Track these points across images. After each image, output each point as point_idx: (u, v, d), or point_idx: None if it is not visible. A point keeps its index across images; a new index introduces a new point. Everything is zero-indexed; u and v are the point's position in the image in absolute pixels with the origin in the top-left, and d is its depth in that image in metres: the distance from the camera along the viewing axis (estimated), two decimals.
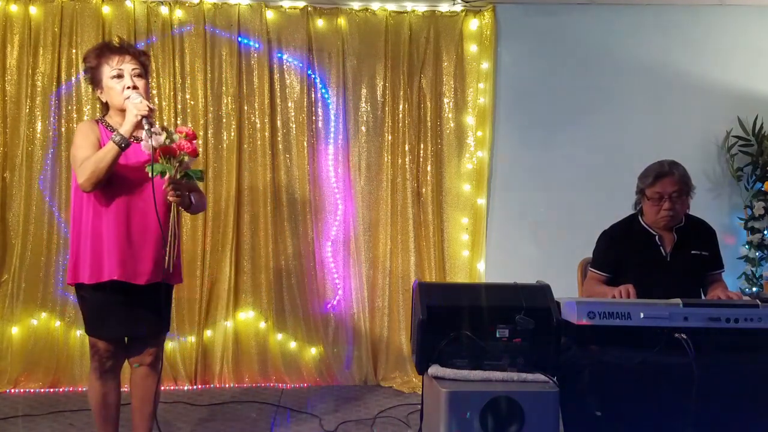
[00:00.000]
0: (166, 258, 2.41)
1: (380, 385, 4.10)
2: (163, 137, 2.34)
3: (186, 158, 2.40)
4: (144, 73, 2.56)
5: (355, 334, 4.17)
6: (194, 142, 2.42)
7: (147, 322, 2.58)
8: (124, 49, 2.54)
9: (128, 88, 2.47)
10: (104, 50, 2.54)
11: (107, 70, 2.51)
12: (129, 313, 2.54)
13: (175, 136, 2.36)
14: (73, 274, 2.51)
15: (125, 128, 2.39)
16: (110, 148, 2.38)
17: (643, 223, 2.98)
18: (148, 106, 2.41)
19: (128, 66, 2.51)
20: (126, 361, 2.67)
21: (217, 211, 4.09)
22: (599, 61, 4.22)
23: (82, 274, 2.48)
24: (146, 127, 2.36)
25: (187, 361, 4.02)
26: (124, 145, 2.37)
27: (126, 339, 2.64)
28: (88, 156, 2.41)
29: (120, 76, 2.50)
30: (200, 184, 2.81)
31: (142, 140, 2.37)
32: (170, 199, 2.41)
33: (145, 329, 2.60)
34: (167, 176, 2.37)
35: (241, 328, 4.11)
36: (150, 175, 2.34)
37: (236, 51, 4.07)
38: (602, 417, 2.26)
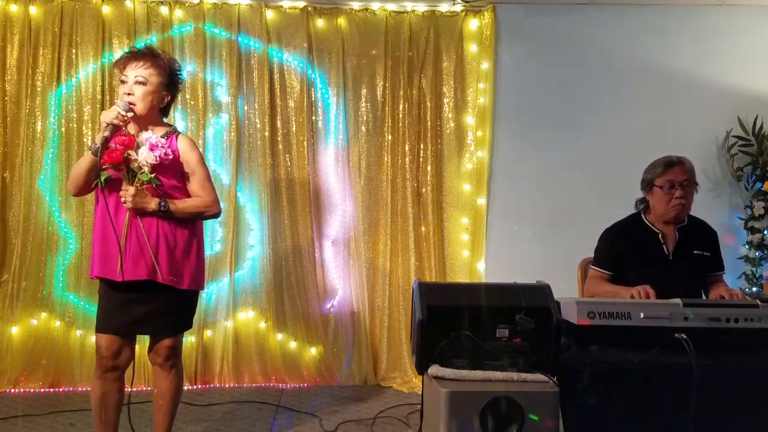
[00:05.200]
0: (121, 257, 2.48)
1: (380, 385, 4.10)
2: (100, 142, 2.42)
3: (143, 168, 2.45)
4: (158, 80, 2.55)
5: (355, 334, 4.16)
6: (125, 149, 2.45)
7: (151, 322, 2.60)
8: (140, 55, 2.57)
9: (125, 94, 2.52)
10: (121, 59, 2.60)
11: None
12: (136, 311, 2.56)
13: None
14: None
15: (98, 135, 2.47)
16: (86, 155, 2.51)
17: (646, 221, 2.97)
18: (120, 114, 2.44)
19: (133, 73, 2.54)
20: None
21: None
22: (599, 61, 4.23)
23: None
24: (104, 134, 2.41)
25: (187, 361, 4.00)
26: (94, 151, 2.44)
27: (149, 341, 2.70)
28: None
29: (123, 82, 2.56)
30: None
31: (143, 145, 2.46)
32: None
33: (148, 329, 2.64)
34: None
35: (241, 328, 4.11)
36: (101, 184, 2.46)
37: (236, 51, 4.07)
38: (602, 417, 2.26)
